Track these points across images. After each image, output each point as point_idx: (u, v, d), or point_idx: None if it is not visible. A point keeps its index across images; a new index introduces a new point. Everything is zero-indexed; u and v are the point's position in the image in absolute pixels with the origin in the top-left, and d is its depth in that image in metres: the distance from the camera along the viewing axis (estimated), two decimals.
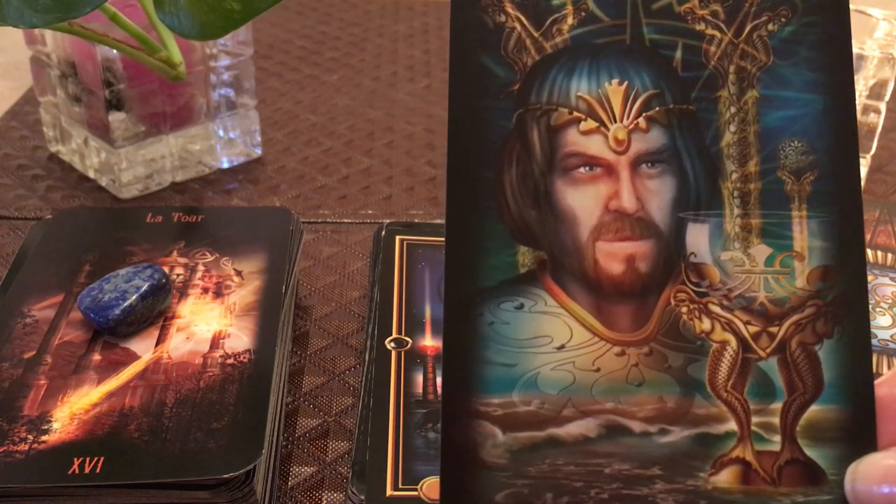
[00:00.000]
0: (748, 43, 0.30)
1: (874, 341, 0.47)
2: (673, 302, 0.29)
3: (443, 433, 0.28)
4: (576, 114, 0.30)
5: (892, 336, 0.47)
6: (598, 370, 0.29)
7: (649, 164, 0.29)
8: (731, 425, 0.28)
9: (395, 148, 0.70)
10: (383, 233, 0.53)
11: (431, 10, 0.98)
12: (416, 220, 0.60)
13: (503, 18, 0.30)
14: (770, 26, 0.30)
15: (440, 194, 0.64)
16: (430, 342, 0.46)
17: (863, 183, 0.63)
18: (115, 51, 0.55)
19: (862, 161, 0.62)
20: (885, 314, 0.49)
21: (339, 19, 0.95)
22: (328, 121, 0.74)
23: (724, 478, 0.28)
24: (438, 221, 0.59)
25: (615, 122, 0.30)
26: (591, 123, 0.29)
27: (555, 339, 0.29)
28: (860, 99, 0.60)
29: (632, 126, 0.29)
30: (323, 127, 0.73)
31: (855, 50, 0.58)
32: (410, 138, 0.71)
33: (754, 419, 0.29)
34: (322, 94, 0.78)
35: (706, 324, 0.29)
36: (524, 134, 0.29)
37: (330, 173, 0.66)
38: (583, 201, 0.29)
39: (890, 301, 0.49)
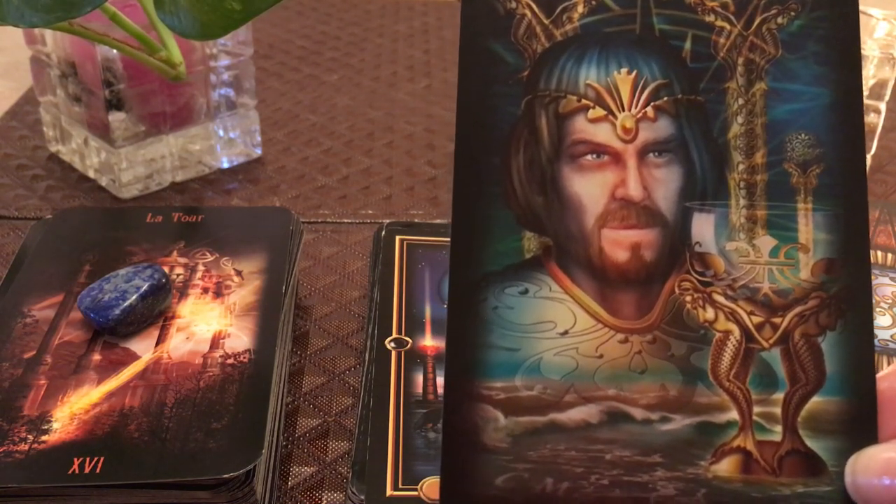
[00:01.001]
0: (757, 35, 0.30)
1: (874, 341, 0.47)
2: (677, 291, 0.29)
3: (444, 416, 0.28)
4: (584, 101, 0.30)
5: (892, 336, 0.47)
6: (600, 357, 0.29)
7: (656, 154, 0.30)
8: (733, 415, 0.29)
9: (395, 148, 0.70)
10: (383, 233, 0.53)
11: (431, 10, 0.98)
12: (416, 220, 0.60)
13: (514, 5, 0.30)
14: (779, 19, 0.30)
15: (440, 194, 0.64)
16: (430, 342, 0.46)
17: None
18: (115, 51, 0.55)
19: None
20: (885, 314, 0.49)
21: (339, 19, 0.95)
22: (328, 121, 0.74)
23: (725, 467, 0.28)
24: (438, 221, 0.59)
25: (623, 110, 0.30)
26: (599, 111, 0.30)
27: (558, 325, 0.29)
28: None
29: (640, 115, 0.30)
30: (323, 127, 0.73)
31: None
32: (410, 138, 0.71)
33: (756, 409, 0.29)
34: (322, 94, 0.78)
35: (710, 313, 0.29)
36: (532, 120, 0.29)
37: (330, 173, 0.66)
38: (589, 188, 0.29)
39: (890, 301, 0.49)
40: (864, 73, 0.59)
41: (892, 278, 0.51)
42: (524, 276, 0.29)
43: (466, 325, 0.28)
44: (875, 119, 0.61)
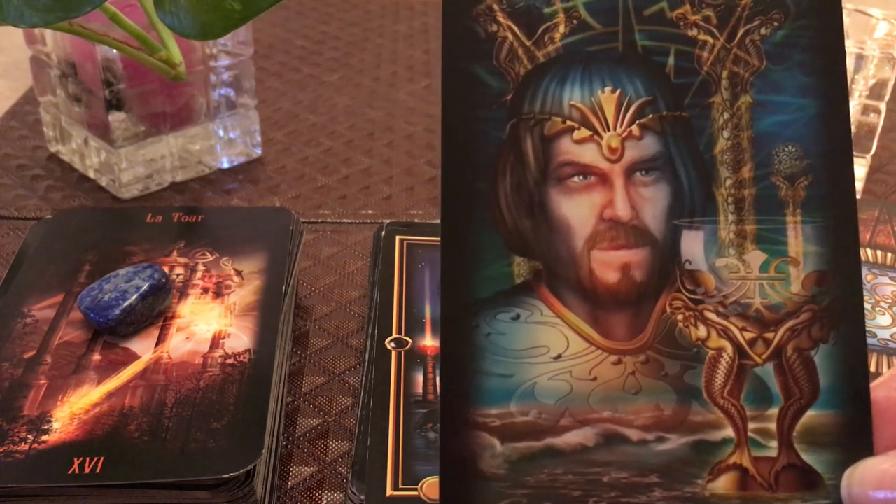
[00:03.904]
0: (741, 48, 0.30)
1: (874, 340, 0.47)
2: (669, 310, 0.29)
3: (441, 444, 0.28)
4: (569, 122, 0.29)
5: (891, 336, 0.47)
6: (594, 379, 0.29)
7: (643, 172, 0.29)
8: (728, 432, 0.28)
9: (395, 148, 0.70)
10: (383, 233, 0.53)
11: (431, 10, 0.98)
12: (416, 220, 0.60)
13: (495, 28, 0.29)
14: (763, 31, 0.30)
15: (440, 194, 0.64)
16: (430, 342, 0.46)
17: (863, 183, 0.64)
18: (115, 51, 0.55)
19: (862, 161, 0.62)
20: (884, 314, 0.49)
21: (339, 19, 0.95)
22: (328, 121, 0.74)
23: (722, 484, 0.28)
24: (438, 221, 0.59)
25: (608, 130, 0.29)
26: (584, 132, 0.29)
27: (551, 349, 0.29)
28: (860, 99, 0.60)
29: (625, 134, 0.29)
30: (323, 127, 0.73)
31: (855, 50, 0.58)
32: (410, 138, 0.71)
33: (751, 425, 0.29)
34: (322, 94, 0.78)
35: (702, 331, 0.29)
36: (518, 144, 0.29)
37: (330, 173, 0.66)
38: (577, 210, 0.29)
39: (889, 301, 0.49)
40: (864, 73, 0.59)
41: (891, 278, 0.51)
42: (515, 301, 0.29)
43: (459, 353, 0.28)
44: (875, 119, 0.61)
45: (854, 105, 0.60)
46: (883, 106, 0.60)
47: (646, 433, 0.28)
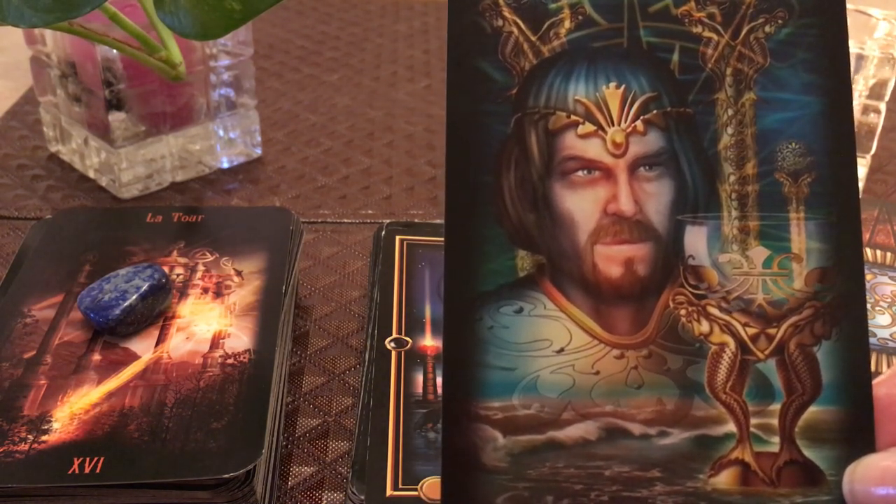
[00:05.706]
0: (745, 45, 0.30)
1: (873, 340, 0.47)
2: (672, 304, 0.29)
3: (443, 437, 0.28)
4: (573, 117, 0.30)
5: (891, 335, 0.47)
6: (597, 373, 0.29)
7: (647, 167, 0.29)
8: (730, 427, 0.29)
9: (395, 148, 0.70)
10: (383, 233, 0.53)
11: (431, 10, 0.98)
12: (416, 220, 0.60)
13: (501, 23, 0.30)
14: (767, 28, 0.30)
15: (440, 194, 0.64)
16: (430, 342, 0.46)
17: (863, 183, 0.64)
18: (115, 51, 0.55)
19: (862, 161, 0.62)
20: (884, 313, 0.49)
21: (339, 19, 0.95)
22: (328, 121, 0.74)
23: (724, 479, 0.28)
24: (438, 221, 0.59)
25: (613, 125, 0.30)
26: (588, 127, 0.29)
27: (554, 343, 0.29)
28: (860, 99, 0.60)
29: (629, 129, 0.29)
30: (323, 127, 0.73)
31: (855, 50, 0.58)
32: (410, 138, 0.71)
33: (753, 420, 0.29)
34: (322, 94, 0.78)
35: (705, 326, 0.29)
36: (522, 138, 0.29)
37: (330, 173, 0.66)
38: (581, 205, 0.29)
39: (889, 300, 0.49)
40: (864, 73, 0.59)
41: (891, 277, 0.51)
42: (518, 294, 0.29)
43: (462, 346, 0.28)
44: (875, 119, 0.61)
45: (854, 105, 0.60)
46: (883, 106, 0.60)
47: (648, 427, 0.29)
